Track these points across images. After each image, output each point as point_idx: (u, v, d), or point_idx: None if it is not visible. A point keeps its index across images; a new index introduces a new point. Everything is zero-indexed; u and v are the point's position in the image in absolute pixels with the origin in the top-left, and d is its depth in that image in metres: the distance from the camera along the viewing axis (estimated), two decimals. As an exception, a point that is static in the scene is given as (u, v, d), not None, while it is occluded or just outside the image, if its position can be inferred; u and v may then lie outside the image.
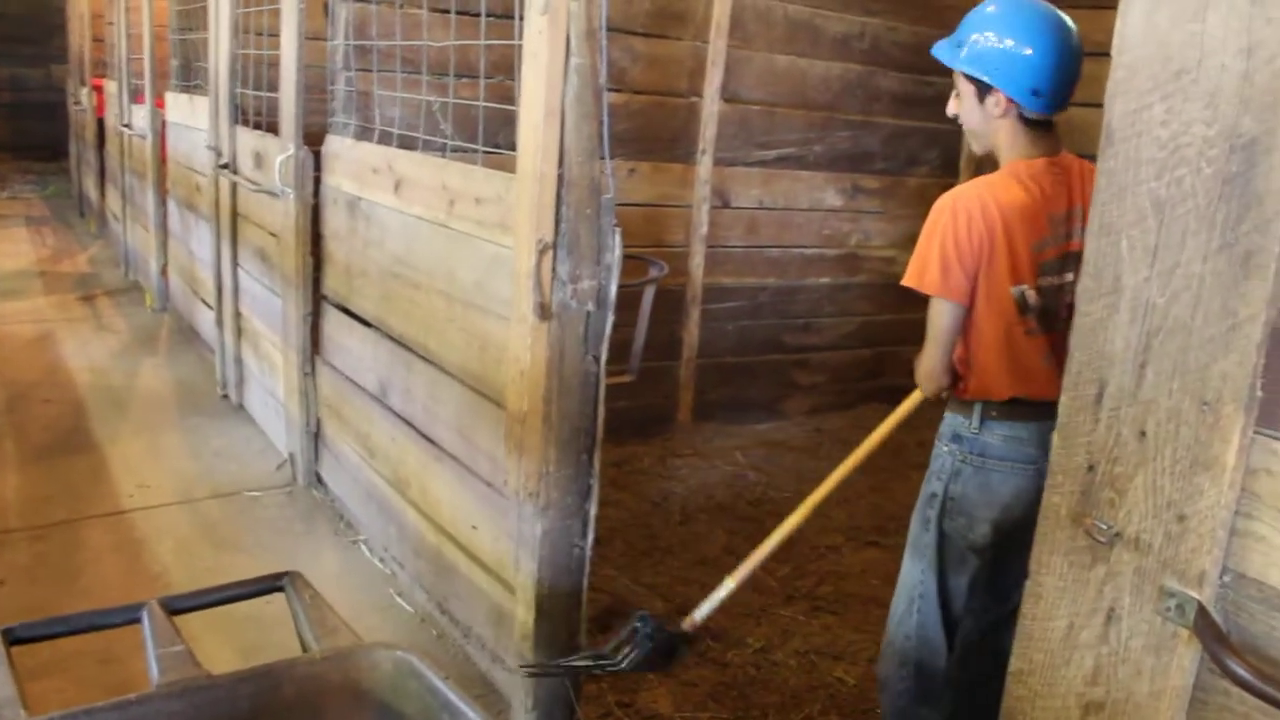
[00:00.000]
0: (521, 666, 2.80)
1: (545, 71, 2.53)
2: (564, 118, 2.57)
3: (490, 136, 3.15)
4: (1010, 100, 2.27)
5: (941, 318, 2.35)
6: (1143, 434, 1.37)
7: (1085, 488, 1.44)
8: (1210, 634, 1.28)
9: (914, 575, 2.63)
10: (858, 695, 3.30)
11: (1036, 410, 2.28)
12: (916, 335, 6.23)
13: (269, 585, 2.27)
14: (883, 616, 3.75)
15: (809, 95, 5.59)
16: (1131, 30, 1.35)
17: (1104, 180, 1.39)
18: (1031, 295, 2.30)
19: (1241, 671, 1.22)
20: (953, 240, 2.27)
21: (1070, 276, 2.28)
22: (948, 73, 2.54)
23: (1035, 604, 1.53)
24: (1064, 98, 2.25)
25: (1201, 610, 1.31)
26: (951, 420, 2.51)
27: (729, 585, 2.83)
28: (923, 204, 6.22)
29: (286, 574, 2.27)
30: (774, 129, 5.52)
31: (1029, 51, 2.22)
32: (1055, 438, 1.49)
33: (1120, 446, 1.40)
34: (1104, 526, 1.41)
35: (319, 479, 4.39)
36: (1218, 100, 1.27)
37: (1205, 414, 1.30)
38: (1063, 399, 1.47)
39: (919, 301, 2.46)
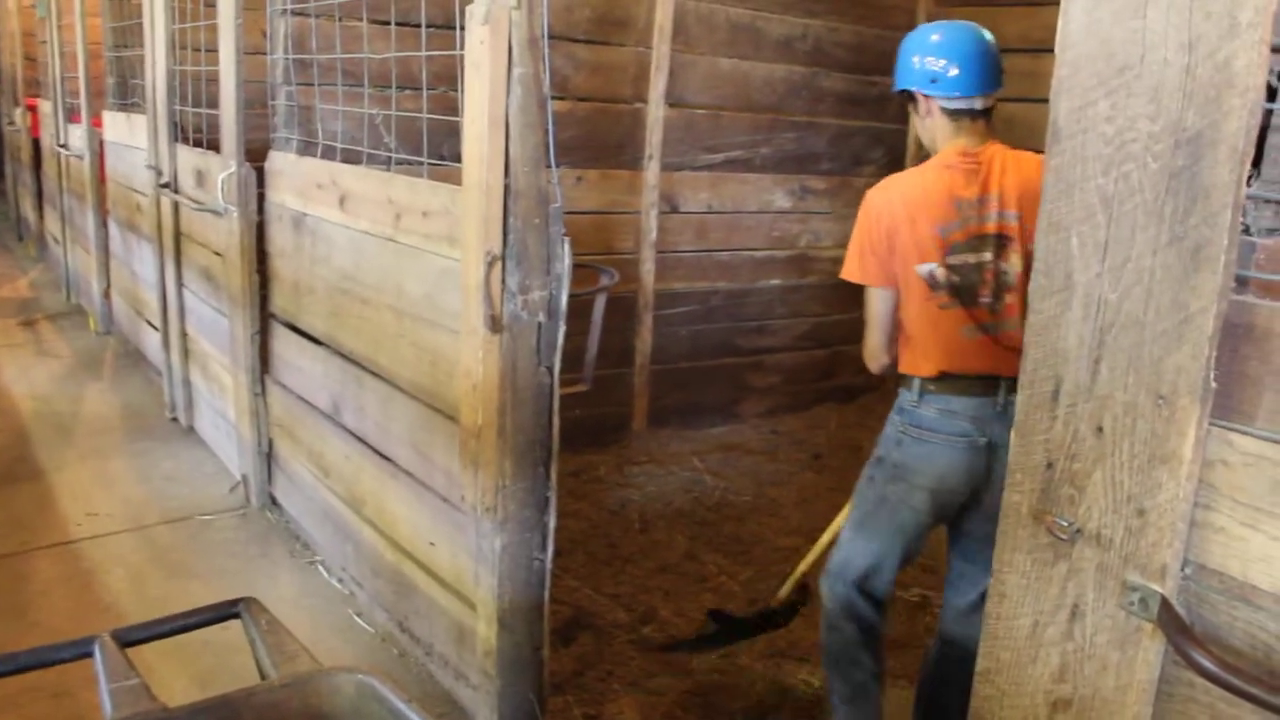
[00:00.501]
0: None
1: (488, 81, 2.51)
2: (508, 127, 2.55)
3: (434, 148, 3.12)
4: (926, 96, 2.56)
5: (870, 302, 2.67)
6: (1100, 430, 1.37)
7: (1045, 485, 1.44)
8: (1174, 627, 1.28)
9: (849, 530, 2.80)
10: (824, 697, 3.29)
11: (969, 385, 2.51)
12: (869, 335, 5.89)
13: (224, 612, 2.22)
14: (845, 616, 3.78)
15: (753, 98, 5.60)
16: (1074, 27, 1.35)
17: (1052, 177, 1.39)
18: (940, 273, 2.52)
19: (1207, 663, 1.22)
20: (866, 233, 2.61)
21: (988, 256, 2.48)
22: (891, 72, 2.75)
23: (1000, 603, 1.53)
24: (965, 82, 2.50)
25: (1165, 604, 1.31)
26: (900, 394, 2.70)
27: (801, 568, 3.41)
28: (870, 203, 6.26)
29: (242, 600, 2.22)
30: (720, 132, 5.52)
31: (918, 55, 2.56)
32: (1013, 436, 1.48)
33: (1078, 443, 1.40)
34: (1065, 523, 1.41)
35: (273, 500, 4.32)
36: (1161, 95, 1.27)
37: (1161, 408, 1.30)
38: (1019, 397, 1.47)
39: None
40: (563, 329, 2.70)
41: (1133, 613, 1.35)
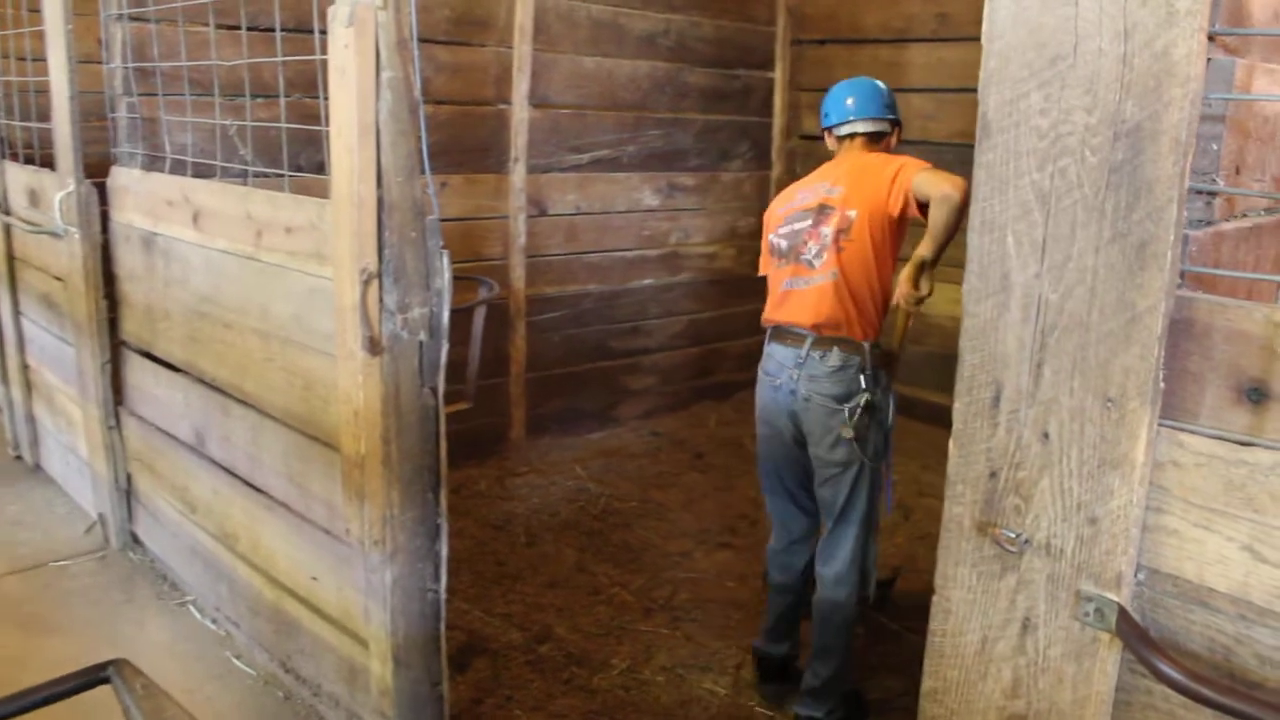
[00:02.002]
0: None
1: (356, 87, 2.35)
2: (379, 135, 2.40)
3: (290, 159, 2.93)
4: (825, 130, 3.23)
5: None
6: (1045, 436, 1.31)
7: (988, 496, 1.38)
8: (1137, 638, 1.24)
9: None
10: (731, 705, 3.23)
11: (783, 335, 3.00)
12: (742, 329, 6.33)
13: (91, 679, 2.02)
14: (742, 619, 3.74)
15: (618, 95, 5.51)
16: (1002, 15, 1.29)
17: (983, 174, 1.33)
18: (774, 239, 3.11)
19: (1175, 675, 1.18)
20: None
21: (809, 223, 2.99)
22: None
23: (944, 619, 1.46)
24: (837, 116, 3.15)
25: (1123, 614, 1.26)
26: None
27: None
28: (739, 197, 6.27)
29: (111, 663, 2.03)
30: (586, 132, 5.41)
31: (823, 103, 3.25)
32: (951, 445, 1.42)
33: (1022, 450, 1.34)
34: (1012, 535, 1.36)
35: (135, 539, 4.04)
36: (1097, 86, 1.22)
37: (1110, 411, 1.25)
38: (956, 405, 1.41)
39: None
40: (446, 347, 2.56)
41: (1088, 623, 1.30)
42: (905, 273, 2.84)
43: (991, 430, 1.37)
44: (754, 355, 3.35)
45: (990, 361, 1.36)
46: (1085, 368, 1.26)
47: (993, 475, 1.38)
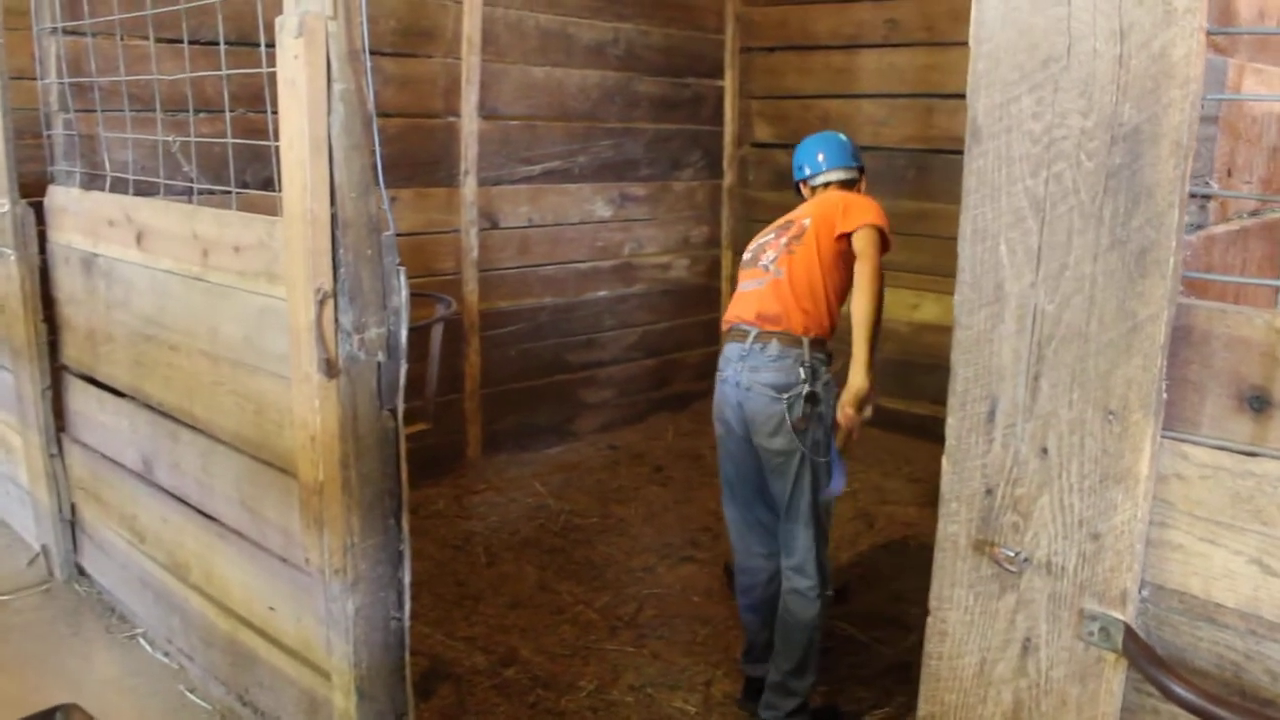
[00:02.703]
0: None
1: (306, 100, 2.27)
2: (332, 150, 2.32)
3: (235, 175, 2.84)
4: (800, 181, 3.45)
5: None
6: (1044, 451, 1.27)
7: (985, 514, 1.34)
8: (1145, 657, 1.19)
9: None
10: (701, 724, 3.17)
11: (735, 334, 3.11)
12: (697, 339, 6.30)
13: (38, 725, 1.93)
14: (710, 634, 3.69)
15: (568, 106, 5.45)
16: (990, 16, 1.25)
17: (974, 180, 1.29)
18: (745, 255, 3.33)
19: (1188, 695, 1.13)
20: None
21: (772, 236, 3.24)
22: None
23: (940, 642, 1.41)
24: (809, 170, 3.39)
25: (1130, 633, 1.22)
26: None
27: None
28: (691, 206, 6.23)
29: (60, 708, 1.94)
30: (536, 143, 5.34)
31: (794, 158, 3.48)
32: (945, 462, 1.37)
33: (1020, 466, 1.29)
34: (1011, 553, 1.31)
35: (81, 571, 3.90)
36: (1092, 88, 1.18)
37: (1111, 424, 1.21)
38: (950, 421, 1.36)
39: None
40: (404, 368, 2.48)
41: (1092, 643, 1.26)
42: (847, 398, 2.95)
43: (987, 446, 1.32)
44: (709, 365, 3.36)
45: (984, 375, 1.31)
46: (1085, 379, 1.22)
47: (989, 492, 1.33)
